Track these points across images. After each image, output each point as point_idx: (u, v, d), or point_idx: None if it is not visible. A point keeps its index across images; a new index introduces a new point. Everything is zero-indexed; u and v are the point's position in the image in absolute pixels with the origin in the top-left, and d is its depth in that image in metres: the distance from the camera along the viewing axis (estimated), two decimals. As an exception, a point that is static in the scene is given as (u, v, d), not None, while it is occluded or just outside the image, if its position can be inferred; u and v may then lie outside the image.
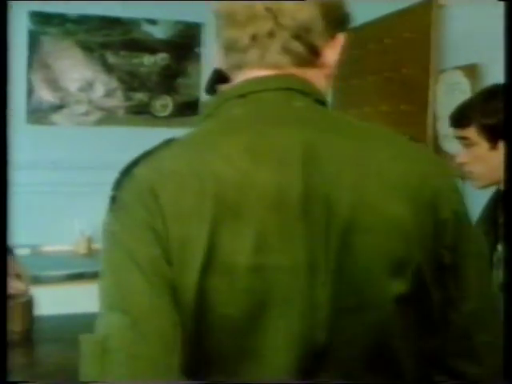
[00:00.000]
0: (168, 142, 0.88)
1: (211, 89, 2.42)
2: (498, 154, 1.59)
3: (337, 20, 0.92)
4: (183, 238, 0.79)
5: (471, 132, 1.64)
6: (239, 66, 0.91)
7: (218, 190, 0.80)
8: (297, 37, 0.87)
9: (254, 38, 0.87)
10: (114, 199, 0.86)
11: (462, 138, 1.68)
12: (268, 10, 0.86)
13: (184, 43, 4.04)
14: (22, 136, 3.51)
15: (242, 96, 0.89)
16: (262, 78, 0.89)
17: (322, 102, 0.91)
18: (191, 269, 0.79)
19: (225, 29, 0.90)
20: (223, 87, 2.35)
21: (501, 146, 1.59)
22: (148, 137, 3.20)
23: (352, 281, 0.83)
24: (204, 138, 0.86)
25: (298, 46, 0.88)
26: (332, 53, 0.92)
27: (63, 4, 3.69)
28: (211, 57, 4.01)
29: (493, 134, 1.60)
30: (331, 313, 0.82)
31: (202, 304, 0.80)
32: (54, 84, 3.83)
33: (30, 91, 3.77)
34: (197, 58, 4.05)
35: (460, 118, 1.68)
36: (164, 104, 4.03)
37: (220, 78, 2.39)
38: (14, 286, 1.98)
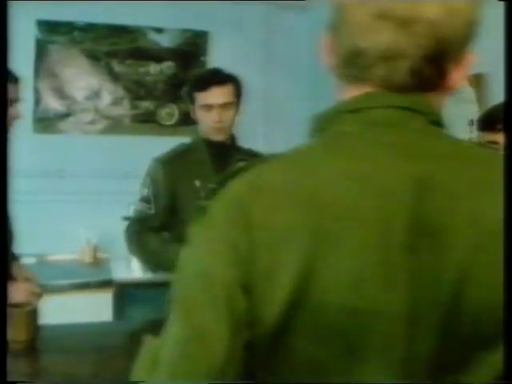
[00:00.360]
0: (273, 156, 0.79)
1: (188, 97, 2.38)
2: None
3: (472, 37, 0.78)
4: (270, 265, 0.71)
5: (501, 137, 1.61)
6: (358, 80, 0.80)
7: (315, 217, 0.72)
8: (431, 59, 0.75)
9: (382, 54, 0.76)
10: (205, 209, 0.78)
11: (492, 143, 1.65)
12: (404, 23, 0.73)
13: (190, 52, 4.05)
14: (29, 145, 3.53)
15: (355, 111, 0.79)
16: (379, 94, 0.79)
17: (438, 123, 0.80)
18: (274, 301, 0.71)
19: (348, 37, 0.78)
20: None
21: None
22: (154, 145, 3.20)
23: (458, 336, 0.73)
24: (308, 158, 0.78)
25: (428, 70, 0.76)
26: (460, 75, 0.79)
27: (70, 8, 3.70)
28: (217, 65, 4.02)
29: None
30: (432, 367, 0.74)
31: (281, 341, 0.73)
32: (60, 92, 3.84)
33: (37, 100, 3.78)
34: (203, 66, 4.04)
35: (491, 123, 1.66)
36: (170, 113, 4.04)
37: (198, 85, 2.36)
38: (26, 289, 1.98)
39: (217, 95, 2.28)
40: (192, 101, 2.36)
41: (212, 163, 2.33)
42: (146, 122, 4.00)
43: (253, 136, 3.30)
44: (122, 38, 3.93)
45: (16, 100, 1.95)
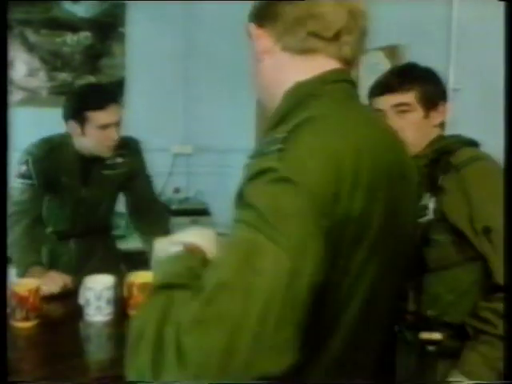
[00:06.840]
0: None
1: (75, 116, 2.24)
2: (430, 123, 1.64)
3: None
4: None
5: (411, 97, 1.63)
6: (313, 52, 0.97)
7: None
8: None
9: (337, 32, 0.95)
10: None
11: (400, 105, 1.64)
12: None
13: (108, 22, 3.99)
14: None
15: (334, 82, 0.98)
16: (343, 70, 0.99)
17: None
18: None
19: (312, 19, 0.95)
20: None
21: (432, 115, 1.64)
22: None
23: None
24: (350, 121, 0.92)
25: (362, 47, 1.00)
26: None
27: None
28: (136, 37, 3.97)
29: (430, 102, 1.64)
30: None
31: None
32: (-29, 63, 3.70)
33: None
34: (121, 37, 4.00)
35: (401, 82, 1.65)
36: (88, 84, 3.97)
37: (94, 103, 2.12)
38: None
39: (115, 113, 2.11)
40: (81, 120, 2.14)
41: (81, 167, 2.25)
42: (64, 93, 3.89)
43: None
44: (36, 6, 3.82)
45: None
